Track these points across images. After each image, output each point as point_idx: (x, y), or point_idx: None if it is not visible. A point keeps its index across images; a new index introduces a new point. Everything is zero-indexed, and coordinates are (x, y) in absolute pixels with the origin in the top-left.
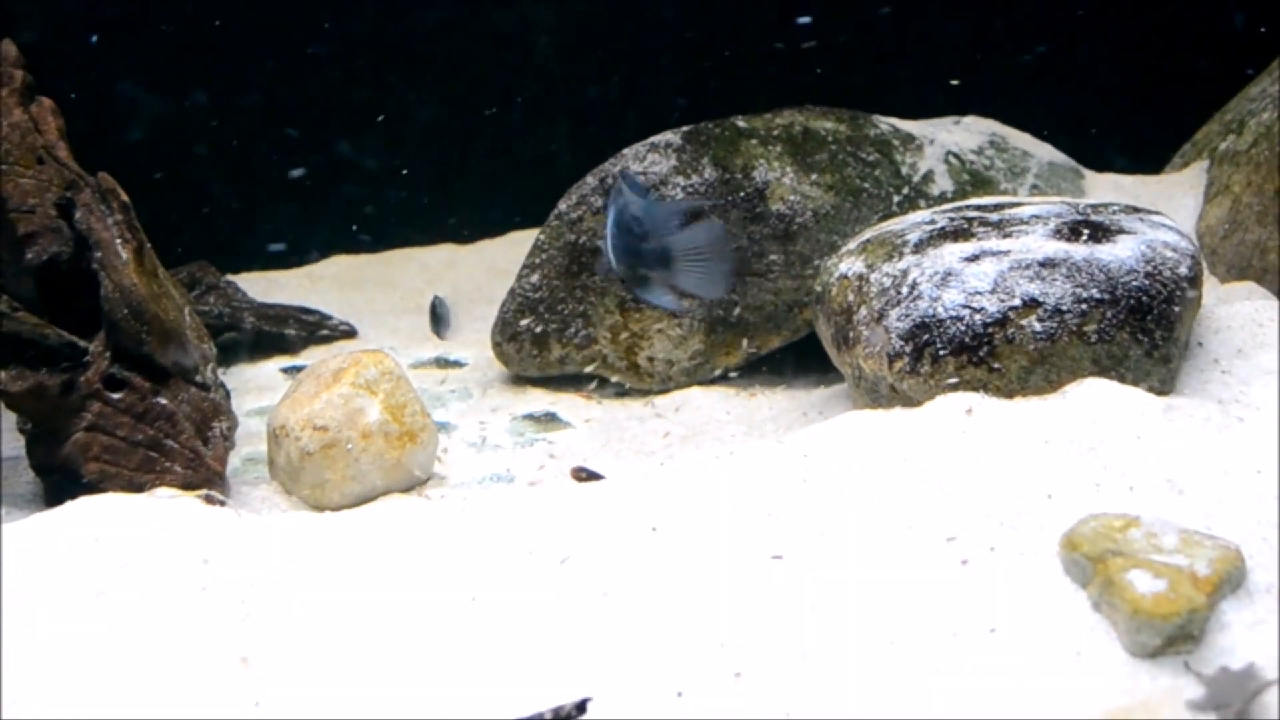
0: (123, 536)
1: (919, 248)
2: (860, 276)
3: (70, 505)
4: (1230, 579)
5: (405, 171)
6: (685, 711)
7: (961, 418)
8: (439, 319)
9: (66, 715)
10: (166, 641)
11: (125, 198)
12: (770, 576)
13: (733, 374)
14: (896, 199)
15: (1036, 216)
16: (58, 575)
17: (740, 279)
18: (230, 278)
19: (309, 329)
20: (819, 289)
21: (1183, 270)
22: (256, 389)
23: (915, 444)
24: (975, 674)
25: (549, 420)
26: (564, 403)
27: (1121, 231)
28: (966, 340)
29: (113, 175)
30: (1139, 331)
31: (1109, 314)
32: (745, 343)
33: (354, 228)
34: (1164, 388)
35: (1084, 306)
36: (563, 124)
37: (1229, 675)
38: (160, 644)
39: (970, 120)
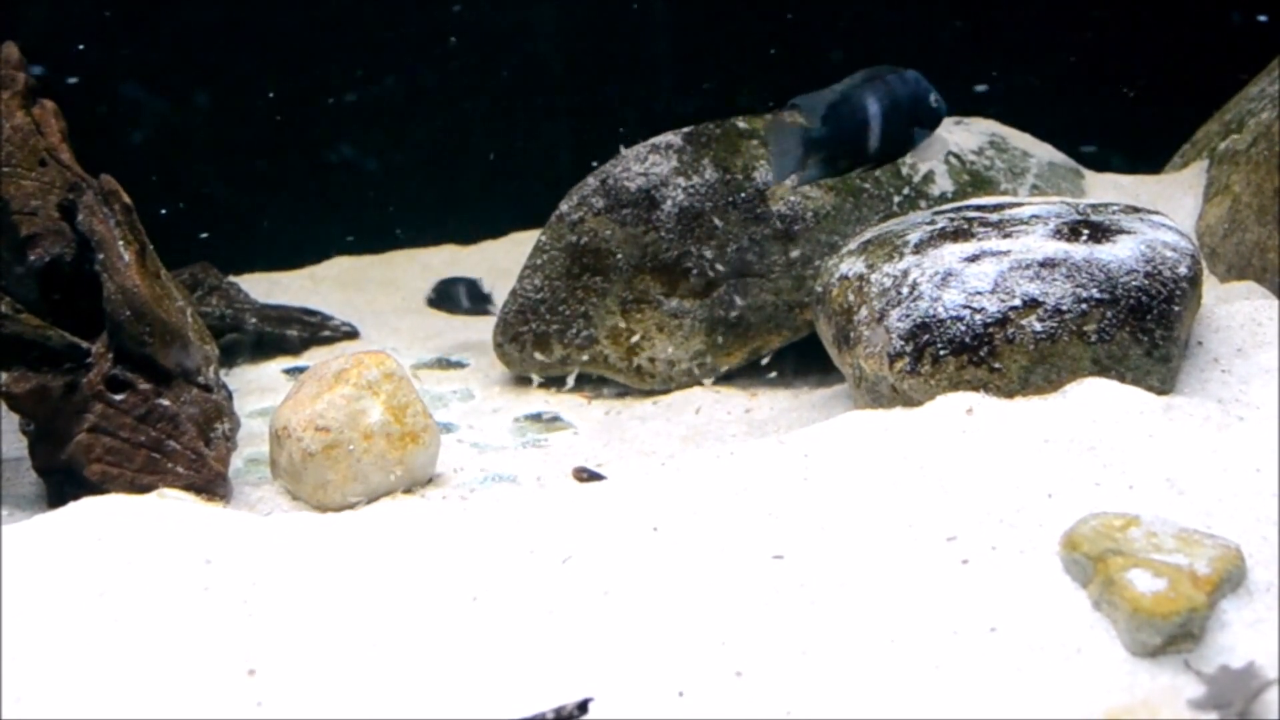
0: (125, 537)
1: (919, 248)
2: (861, 277)
3: (73, 506)
4: (1230, 578)
5: (407, 172)
6: (687, 711)
7: (962, 417)
8: (479, 297)
9: (69, 714)
10: (169, 641)
11: (127, 199)
12: (771, 575)
13: (744, 371)
14: (897, 199)
15: (1036, 216)
16: (61, 575)
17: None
18: (232, 279)
19: (311, 330)
20: (820, 289)
21: (1182, 270)
22: (259, 390)
23: (916, 443)
24: (975, 672)
25: (550, 421)
26: (565, 403)
27: (1121, 231)
28: (967, 340)
29: (115, 177)
30: (1139, 331)
31: (1109, 314)
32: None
33: (349, 236)
34: (1164, 387)
35: (1084, 306)
36: (564, 124)
37: (1230, 674)
38: (163, 644)
39: (971, 120)
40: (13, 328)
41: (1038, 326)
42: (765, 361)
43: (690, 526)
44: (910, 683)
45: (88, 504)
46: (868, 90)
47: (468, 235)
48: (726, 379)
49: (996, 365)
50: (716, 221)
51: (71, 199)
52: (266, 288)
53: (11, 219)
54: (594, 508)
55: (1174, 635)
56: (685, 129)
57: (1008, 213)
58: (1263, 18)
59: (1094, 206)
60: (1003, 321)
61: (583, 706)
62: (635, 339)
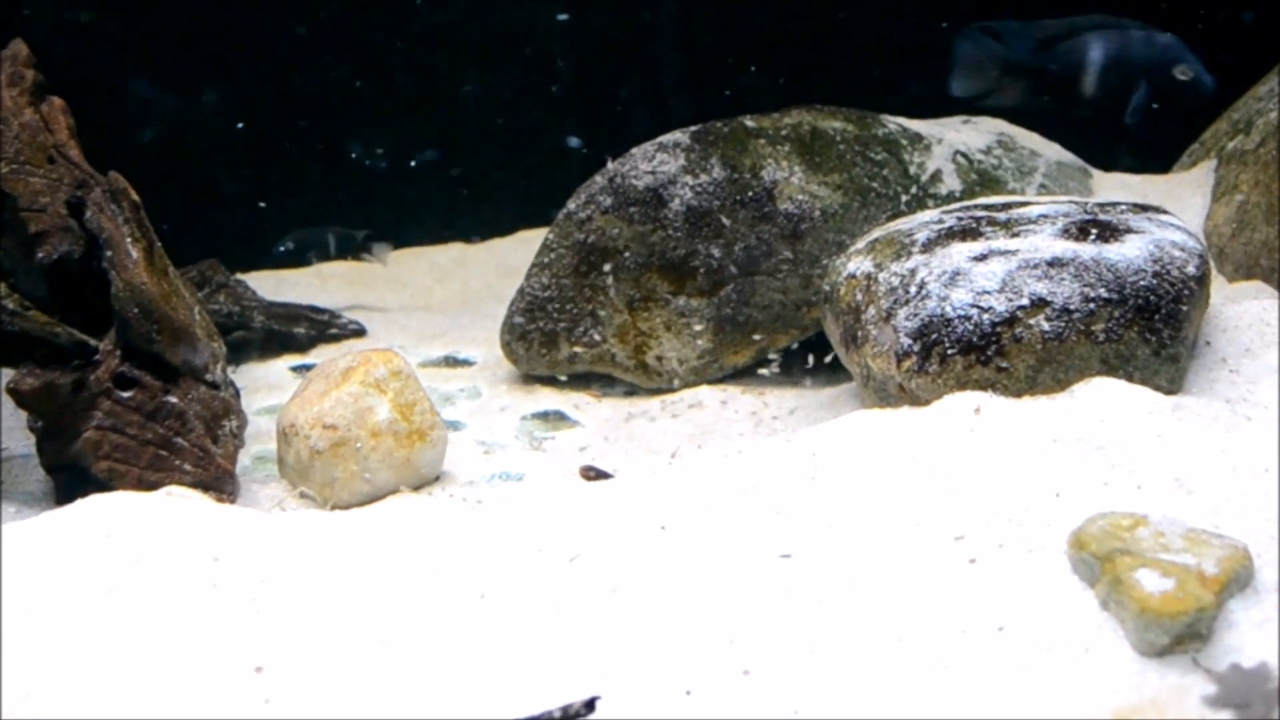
0: (134, 534)
1: (927, 247)
2: (868, 276)
3: (81, 503)
4: (1238, 578)
5: (414, 170)
6: (694, 709)
7: (970, 416)
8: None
9: (77, 711)
10: (177, 638)
11: (135, 197)
12: (779, 574)
13: (761, 371)
14: (904, 198)
15: (1044, 216)
16: (69, 572)
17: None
18: (240, 276)
19: (318, 328)
20: (827, 288)
21: (1190, 269)
22: (266, 387)
23: (923, 442)
24: (983, 671)
25: (558, 419)
26: (573, 401)
27: (1129, 231)
28: (974, 339)
29: (123, 174)
30: (1147, 331)
31: (1117, 313)
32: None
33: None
34: (1172, 387)
35: (1092, 306)
36: (572, 123)
37: (1242, 673)
38: (171, 640)
39: (979, 120)
40: (21, 325)
41: (1045, 326)
42: (733, 374)
43: (698, 525)
44: (918, 682)
45: (95, 501)
46: (1097, 36)
47: (476, 233)
48: (734, 377)
49: (1004, 365)
50: (724, 220)
51: (80, 196)
52: (274, 285)
53: (20, 216)
54: (601, 506)
55: (1182, 635)
56: (693, 127)
57: (1016, 212)
58: None
59: (1102, 206)
60: (1011, 321)
61: (590, 705)
62: (643, 337)
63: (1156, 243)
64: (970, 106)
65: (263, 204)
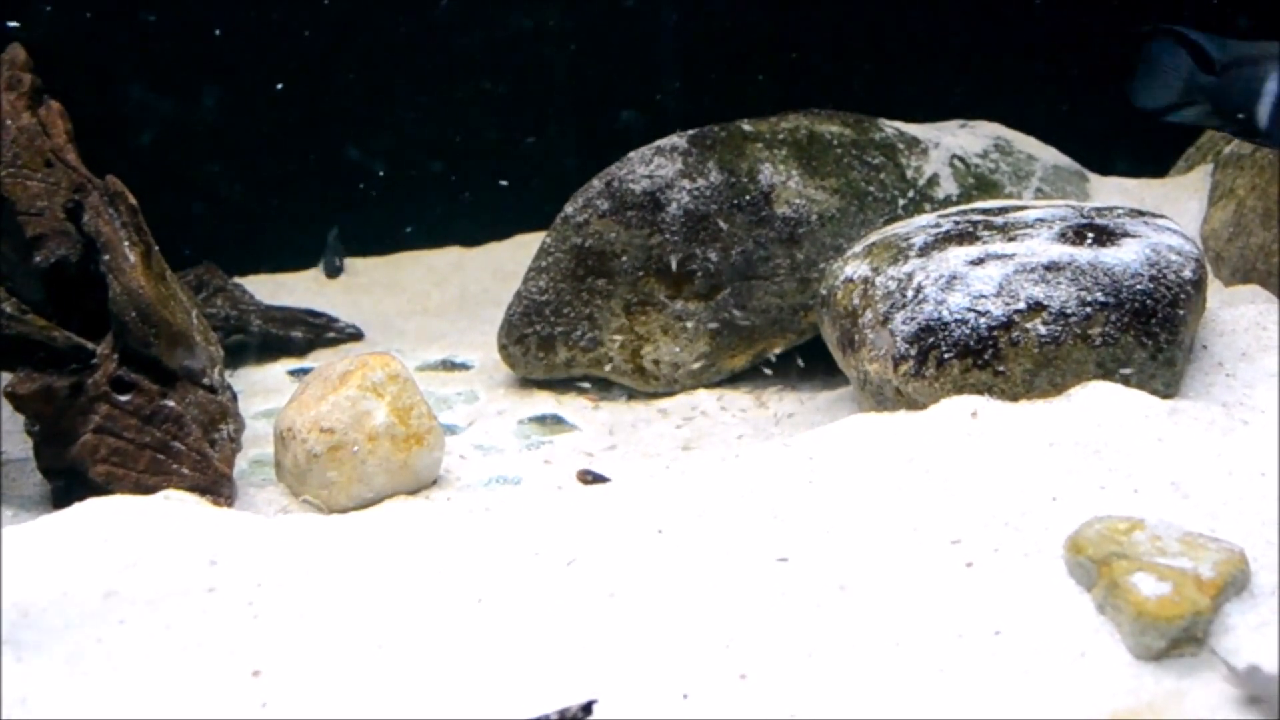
0: (131, 537)
1: (924, 251)
2: (866, 280)
3: (79, 506)
4: (1234, 582)
5: (413, 174)
6: (691, 712)
7: (967, 420)
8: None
9: (76, 713)
10: (174, 642)
11: (133, 200)
12: (776, 578)
13: (748, 374)
14: (902, 202)
15: (1041, 220)
16: (67, 576)
17: None
18: (237, 280)
19: (316, 331)
20: (824, 292)
21: (1187, 273)
22: (263, 391)
23: (920, 446)
24: (980, 675)
25: (555, 423)
26: (570, 405)
27: (1126, 235)
28: (971, 343)
29: (120, 178)
30: (1143, 334)
31: (1113, 317)
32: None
33: (354, 238)
34: (1168, 390)
35: (1088, 309)
36: (569, 127)
37: (1261, 675)
38: (168, 644)
39: (976, 124)
40: (19, 328)
41: (1042, 330)
42: (730, 378)
43: (695, 529)
44: (915, 685)
45: (93, 505)
46: (1275, 64)
47: (473, 237)
48: (731, 381)
49: (1001, 368)
50: (721, 224)
51: (77, 200)
52: (272, 289)
53: (18, 220)
54: (598, 510)
55: (1178, 639)
56: (690, 131)
57: (1012, 216)
58: None
59: (1098, 210)
60: (1007, 325)
61: (587, 708)
62: (640, 341)
63: (1153, 247)
64: (967, 112)
65: (260, 207)
